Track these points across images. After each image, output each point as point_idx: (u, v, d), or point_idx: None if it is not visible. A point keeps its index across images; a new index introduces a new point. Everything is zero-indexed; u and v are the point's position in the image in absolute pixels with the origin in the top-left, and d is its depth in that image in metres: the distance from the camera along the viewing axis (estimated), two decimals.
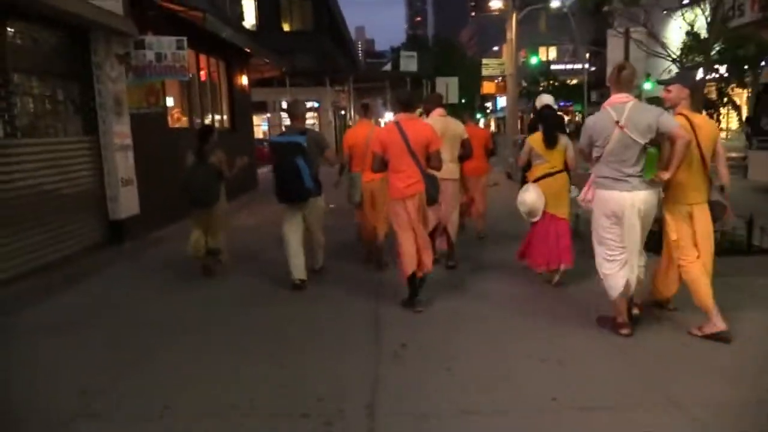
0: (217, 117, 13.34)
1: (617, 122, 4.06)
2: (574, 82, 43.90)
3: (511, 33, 17.82)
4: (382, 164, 5.14)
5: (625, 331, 4.32)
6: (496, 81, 34.95)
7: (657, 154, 4.04)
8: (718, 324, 4.18)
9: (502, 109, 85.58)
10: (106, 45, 7.78)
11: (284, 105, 37.78)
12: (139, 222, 8.45)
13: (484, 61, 24.17)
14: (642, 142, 4.01)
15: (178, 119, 11.14)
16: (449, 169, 5.88)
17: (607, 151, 4.14)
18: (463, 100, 34.56)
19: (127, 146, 8.24)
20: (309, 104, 37.59)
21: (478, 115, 62.56)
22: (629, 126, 4.04)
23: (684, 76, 4.88)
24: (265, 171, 23.81)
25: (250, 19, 37.87)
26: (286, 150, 5.57)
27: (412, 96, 5.57)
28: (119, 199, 7.99)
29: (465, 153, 6.24)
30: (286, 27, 40.64)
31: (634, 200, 4.09)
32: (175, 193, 6.62)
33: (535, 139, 5.66)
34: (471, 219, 8.19)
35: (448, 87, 22.60)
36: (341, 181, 7.08)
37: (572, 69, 44.94)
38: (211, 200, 6.21)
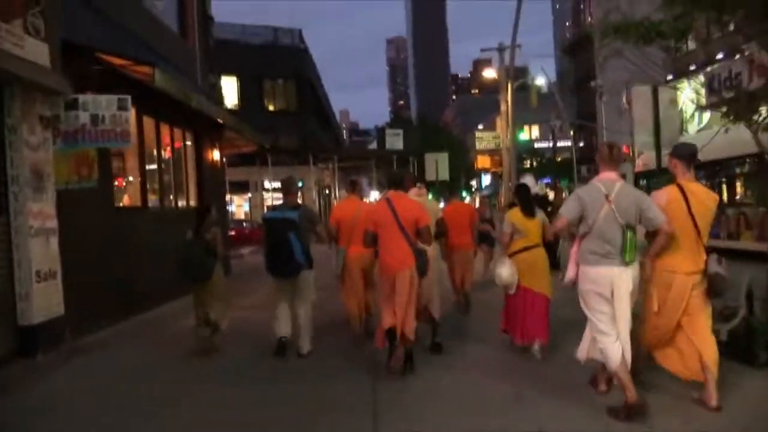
0: (182, 195, 11.71)
1: (607, 196, 4.17)
2: (560, 158, 43.65)
3: (506, 104, 16.73)
4: (373, 240, 5.38)
5: (638, 403, 4.14)
6: (491, 156, 34.17)
7: (634, 238, 4.14)
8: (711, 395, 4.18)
9: (487, 186, 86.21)
10: (24, 104, 6.18)
11: (266, 185, 36.63)
12: (64, 325, 6.59)
13: (478, 134, 23.20)
14: (623, 222, 4.12)
15: (129, 198, 9.49)
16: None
17: (596, 227, 4.19)
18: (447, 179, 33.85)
19: (48, 230, 6.48)
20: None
21: (464, 193, 62.01)
22: (616, 205, 4.15)
23: (679, 148, 4.76)
24: (245, 252, 22.08)
25: (232, 99, 37.30)
26: (278, 225, 5.73)
27: (402, 175, 5.93)
28: (32, 297, 6.15)
29: (439, 231, 6.22)
30: (270, 107, 40.07)
31: (623, 275, 4.16)
32: (121, 287, 6.52)
33: (514, 214, 5.92)
34: (457, 290, 8.27)
35: (438, 163, 21.42)
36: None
37: (554, 147, 44.74)
38: (206, 275, 6.30)
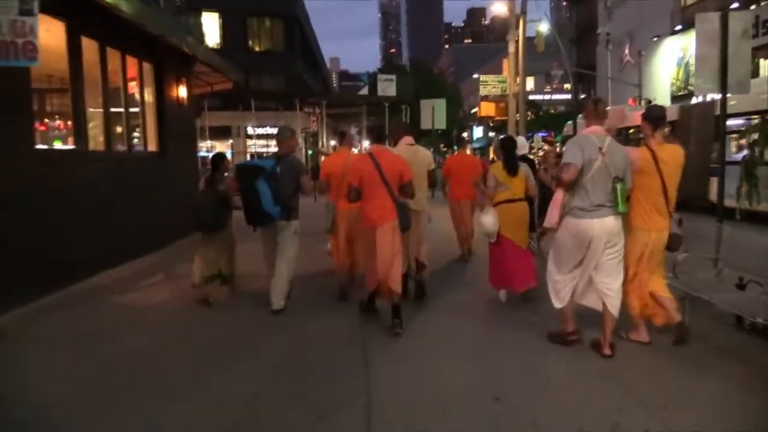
0: (136, 136, 9.87)
1: (600, 149, 4.30)
2: (554, 111, 41.70)
3: (515, 44, 14.76)
4: (357, 195, 5.31)
5: (573, 337, 4.65)
6: (496, 102, 31.84)
7: (624, 190, 4.30)
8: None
9: (479, 139, 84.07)
10: None
11: (250, 130, 34.52)
12: None
13: (482, 77, 21.03)
14: (614, 175, 4.29)
15: (61, 140, 7.68)
16: (418, 200, 5.92)
17: (589, 180, 4.30)
18: (439, 130, 31.60)
19: None
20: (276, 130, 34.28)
21: (454, 147, 60.06)
22: (609, 158, 4.31)
23: (648, 111, 4.73)
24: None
25: (213, 37, 34.77)
26: (248, 173, 5.64)
27: (383, 129, 6.72)
28: None
29: (429, 182, 6.32)
30: (254, 47, 37.54)
31: (602, 227, 4.31)
32: (42, 253, 5.79)
33: (497, 168, 6.06)
34: (462, 241, 8.51)
35: (435, 110, 19.49)
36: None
37: (551, 99, 42.67)
38: (217, 225, 6.18)
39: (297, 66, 36.28)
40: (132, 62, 9.41)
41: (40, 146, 7.20)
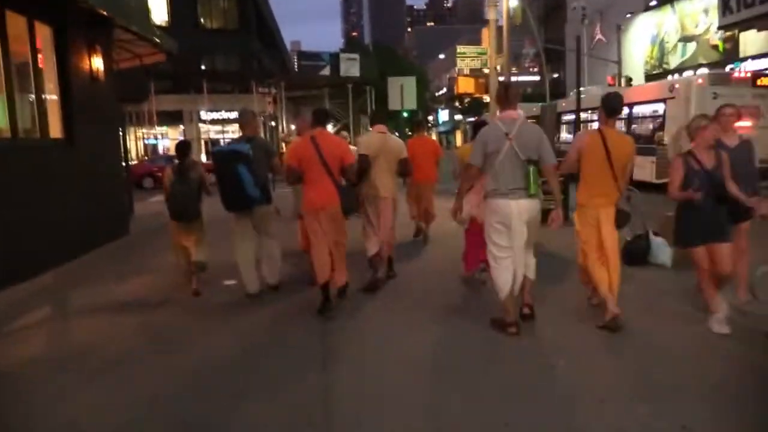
0: (27, 119, 7.67)
1: (507, 134, 4.43)
2: (528, 91, 40.05)
3: (495, 9, 12.85)
4: (296, 177, 5.33)
5: (512, 329, 4.59)
6: (475, 78, 29.69)
7: (536, 172, 4.41)
8: (613, 310, 4.65)
9: (444, 123, 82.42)
10: None
11: (203, 115, 31.98)
12: None
13: (460, 48, 18.90)
14: (524, 158, 4.39)
15: None
16: (386, 186, 6.03)
17: (497, 164, 4.44)
18: (405, 113, 29.42)
19: None
20: (233, 114, 31.85)
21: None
22: (516, 142, 4.41)
23: (605, 99, 4.87)
24: (158, 199, 17.55)
25: (160, 14, 31.95)
26: (227, 158, 5.52)
27: (326, 112, 5.98)
28: None
29: (404, 171, 6.37)
30: (206, 24, 34.84)
31: (520, 208, 4.44)
32: None
33: (464, 150, 6.20)
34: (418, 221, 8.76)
35: (404, 89, 17.50)
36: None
37: (518, 81, 40.93)
38: (192, 215, 6.11)
39: (253, 45, 33.79)
40: (17, 22, 7.20)
41: None
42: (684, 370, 3.92)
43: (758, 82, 14.10)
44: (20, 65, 7.38)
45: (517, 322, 4.63)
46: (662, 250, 6.62)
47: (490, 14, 13.15)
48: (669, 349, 4.30)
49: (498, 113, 4.73)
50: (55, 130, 8.16)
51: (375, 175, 5.96)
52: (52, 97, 8.12)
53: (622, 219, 4.86)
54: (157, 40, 10.28)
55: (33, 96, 7.63)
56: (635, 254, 6.69)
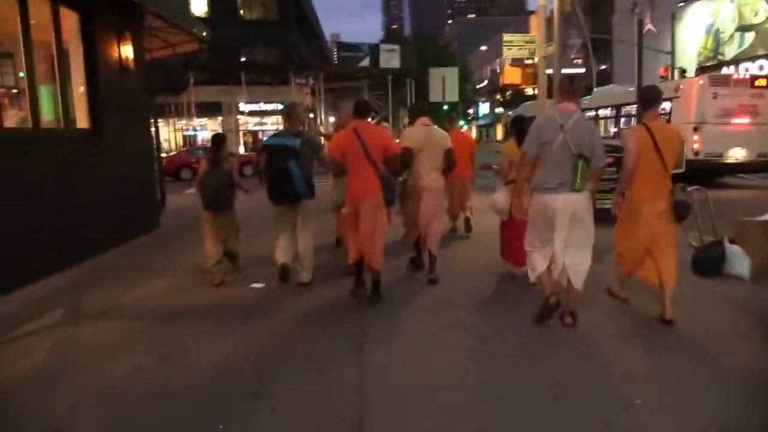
0: (51, 110, 7.32)
1: (562, 126, 4.33)
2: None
3: None
4: (341, 169, 5.45)
5: (552, 300, 4.60)
6: (522, 67, 28.54)
7: (585, 167, 4.30)
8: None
9: (484, 116, 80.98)
10: None
11: (242, 107, 31.84)
12: None
13: (506, 37, 17.96)
14: (576, 152, 4.29)
15: None
16: (432, 178, 6.01)
17: (550, 156, 4.36)
18: (445, 106, 28.54)
19: None
20: (271, 106, 31.64)
21: (461, 122, 57.04)
22: (570, 135, 4.31)
23: (643, 91, 5.12)
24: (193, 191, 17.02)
25: (200, 6, 31.88)
26: (278, 153, 5.59)
27: (368, 104, 5.96)
28: None
29: (448, 164, 6.14)
30: (246, 16, 34.67)
31: (566, 203, 4.34)
32: None
33: (509, 147, 5.90)
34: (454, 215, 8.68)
35: (446, 80, 16.86)
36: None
37: (566, 73, 39.65)
38: (225, 205, 6.25)
39: (292, 36, 33.46)
40: (40, 7, 6.84)
41: None
42: None
43: (755, 83, 15.01)
44: (44, 53, 7.04)
45: (557, 292, 4.61)
46: (739, 260, 5.85)
47: (540, 0, 12.32)
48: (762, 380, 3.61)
49: (556, 103, 4.64)
50: (82, 121, 7.82)
51: (419, 168, 5.96)
52: (78, 86, 7.76)
53: (682, 210, 4.68)
54: (190, 28, 9.84)
55: (58, 85, 7.27)
56: (708, 264, 5.93)
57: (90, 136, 7.88)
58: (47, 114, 7.18)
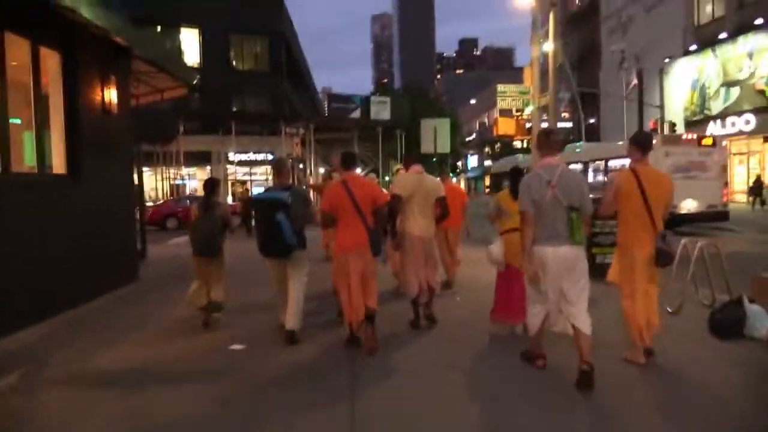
0: (20, 153, 6.90)
1: (549, 182, 4.35)
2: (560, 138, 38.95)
3: (538, 46, 11.99)
4: (331, 221, 5.48)
5: (539, 362, 4.69)
6: (516, 117, 28.54)
7: (579, 219, 4.32)
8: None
9: (473, 168, 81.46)
10: None
11: (231, 156, 31.61)
12: None
13: (500, 87, 17.97)
14: (566, 205, 4.31)
15: None
16: (422, 226, 6.02)
17: (542, 211, 4.37)
18: (434, 159, 28.48)
19: None
20: (261, 156, 31.45)
21: (451, 175, 57.20)
22: (559, 189, 4.34)
23: (636, 136, 5.09)
24: (177, 242, 16.31)
25: (193, 56, 32.08)
26: (267, 206, 5.62)
27: (354, 155, 6.00)
28: None
29: (442, 212, 6.22)
30: (238, 66, 34.90)
31: (557, 255, 4.32)
32: None
33: (503, 196, 5.90)
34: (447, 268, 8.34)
35: (437, 131, 16.68)
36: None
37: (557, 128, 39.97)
38: (213, 251, 6.22)
39: (283, 87, 33.62)
40: (19, 45, 6.50)
41: None
42: None
43: (702, 143, 16.72)
44: (19, 93, 6.67)
45: (545, 355, 4.68)
46: (762, 320, 5.43)
47: (534, 51, 12.27)
48: None
49: (537, 160, 4.68)
50: (59, 165, 7.39)
51: (410, 216, 6.00)
52: (56, 129, 7.37)
53: (663, 259, 4.69)
54: (178, 73, 9.56)
55: (33, 128, 6.87)
56: (728, 326, 5.50)
57: (67, 181, 7.44)
58: (21, 156, 6.74)
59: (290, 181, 6.03)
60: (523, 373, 4.66)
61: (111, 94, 8.37)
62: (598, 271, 6.05)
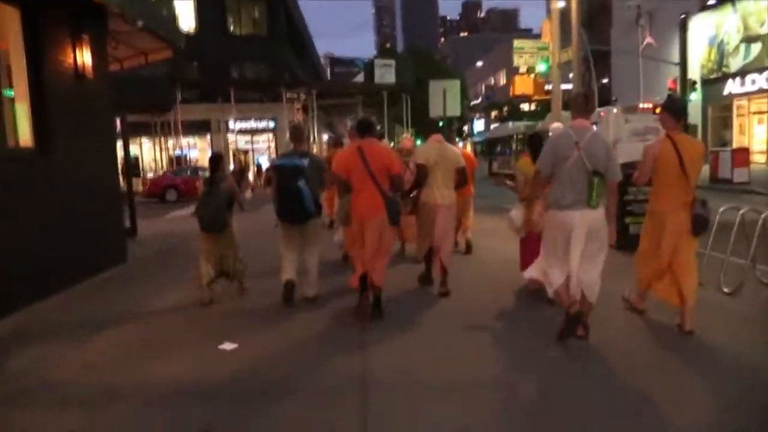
0: None
1: (577, 143, 4.33)
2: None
3: None
4: (345, 187, 5.43)
5: (573, 308, 4.48)
6: (533, 76, 27.11)
7: (601, 184, 4.30)
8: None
9: (479, 133, 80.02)
10: None
11: (231, 125, 30.64)
12: None
13: (517, 43, 16.78)
14: (591, 169, 4.29)
15: None
16: (444, 195, 6.06)
17: (563, 173, 4.36)
18: (440, 123, 27.26)
19: None
20: (262, 124, 30.46)
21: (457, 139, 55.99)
22: (585, 152, 4.32)
23: (669, 103, 5.07)
24: (183, 214, 15.60)
25: (188, 22, 30.81)
26: (288, 173, 5.68)
27: (372, 122, 5.81)
28: None
29: (459, 181, 6.24)
30: (234, 31, 33.63)
31: (582, 219, 4.33)
32: None
33: (524, 163, 5.93)
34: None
35: (447, 93, 15.66)
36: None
37: (565, 89, 38.48)
38: (221, 227, 6.12)
39: (283, 52, 32.40)
40: None
41: None
42: None
43: (656, 111, 17.16)
44: None
45: (575, 300, 4.54)
46: None
47: (554, 2, 11.18)
48: None
49: (571, 121, 4.63)
50: (24, 138, 6.55)
51: (432, 184, 6.00)
52: (20, 98, 6.50)
53: (698, 225, 4.65)
54: (160, 31, 8.58)
55: None
56: None
57: (35, 156, 6.61)
58: None
59: (306, 146, 6.05)
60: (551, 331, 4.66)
61: (84, 57, 7.46)
62: (632, 243, 5.50)
